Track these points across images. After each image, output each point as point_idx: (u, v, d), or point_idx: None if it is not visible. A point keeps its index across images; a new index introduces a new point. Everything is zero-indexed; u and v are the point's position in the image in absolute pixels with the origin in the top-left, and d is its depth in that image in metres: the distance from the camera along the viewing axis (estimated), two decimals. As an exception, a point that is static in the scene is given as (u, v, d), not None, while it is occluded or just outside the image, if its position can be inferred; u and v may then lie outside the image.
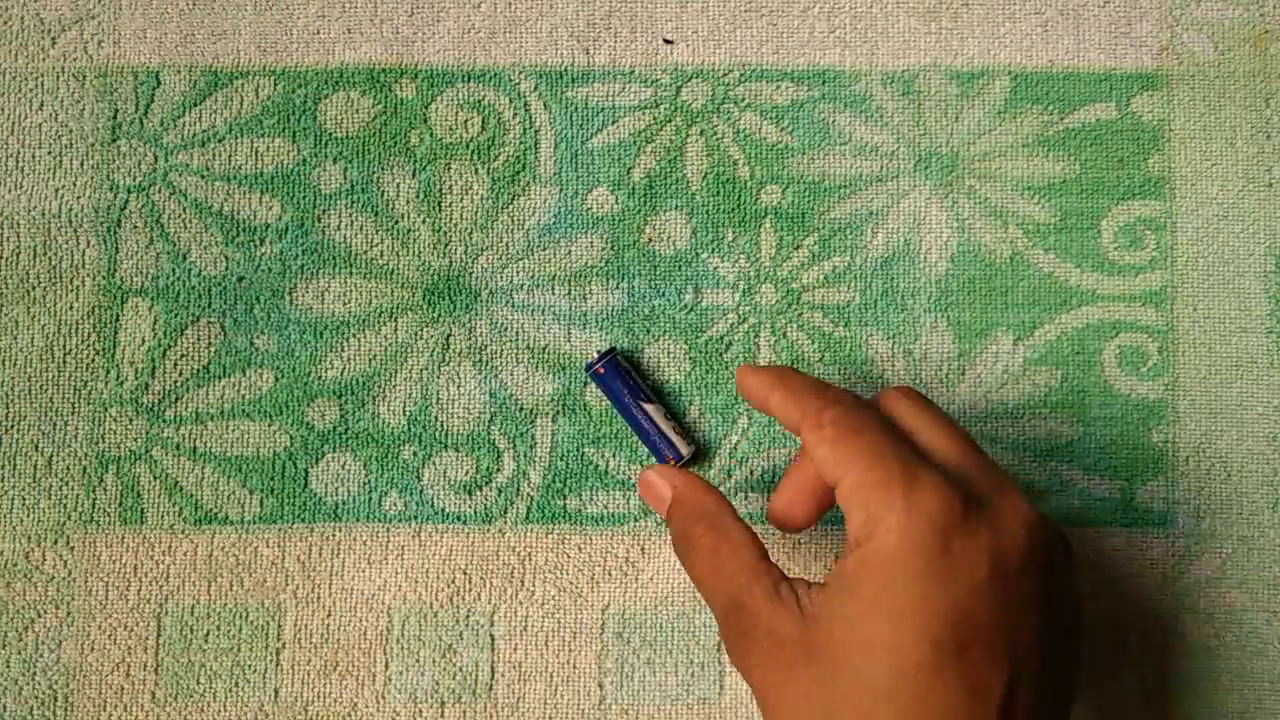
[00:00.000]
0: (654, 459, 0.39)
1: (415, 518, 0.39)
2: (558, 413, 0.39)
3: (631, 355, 0.39)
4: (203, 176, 0.40)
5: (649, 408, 0.38)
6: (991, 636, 0.28)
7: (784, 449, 0.40)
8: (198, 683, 0.38)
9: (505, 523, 0.39)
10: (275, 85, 0.40)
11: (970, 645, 0.27)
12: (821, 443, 0.30)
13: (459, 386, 0.39)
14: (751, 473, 0.39)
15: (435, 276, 0.40)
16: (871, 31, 0.41)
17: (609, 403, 0.39)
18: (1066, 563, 0.30)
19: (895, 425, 0.32)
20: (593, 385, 0.39)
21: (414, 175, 0.40)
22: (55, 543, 0.39)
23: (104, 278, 0.39)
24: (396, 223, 0.40)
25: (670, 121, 0.40)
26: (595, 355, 0.38)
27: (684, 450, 0.38)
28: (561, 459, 0.39)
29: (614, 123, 0.40)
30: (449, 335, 0.40)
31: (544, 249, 0.40)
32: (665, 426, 0.38)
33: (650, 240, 0.40)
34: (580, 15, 0.41)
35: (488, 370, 0.40)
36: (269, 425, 0.39)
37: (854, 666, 0.28)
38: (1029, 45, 0.41)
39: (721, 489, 0.39)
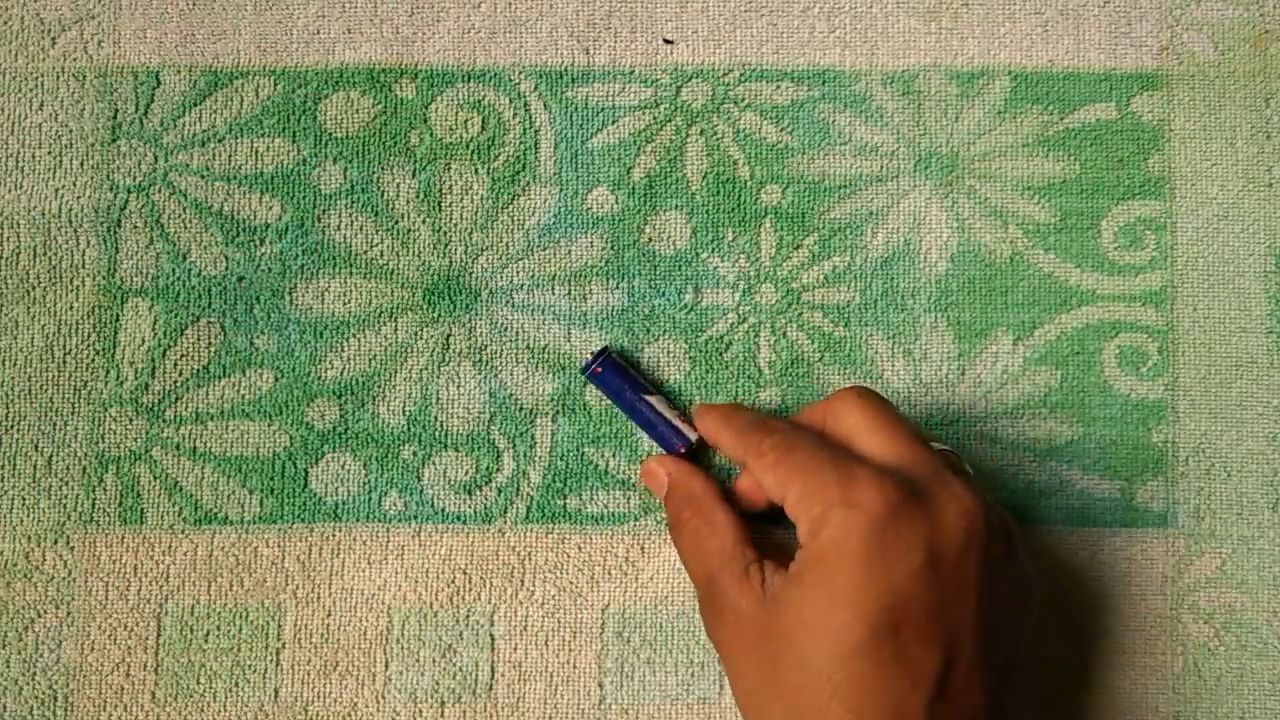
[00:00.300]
0: (660, 450, 0.39)
1: (415, 517, 0.39)
2: (557, 412, 0.39)
3: (626, 352, 0.39)
4: (203, 176, 0.40)
5: (651, 399, 0.38)
6: (927, 620, 0.29)
7: (784, 449, 0.40)
8: (198, 683, 0.38)
9: (505, 522, 0.39)
10: (275, 85, 0.40)
11: (903, 627, 0.29)
12: (765, 469, 0.32)
13: (459, 386, 0.39)
14: (751, 473, 0.39)
15: (435, 276, 0.40)
16: (871, 31, 0.41)
17: (609, 402, 0.39)
18: (1009, 549, 0.32)
19: (835, 435, 0.34)
20: (593, 387, 0.39)
21: (414, 175, 0.40)
22: (55, 543, 0.39)
23: (104, 278, 0.39)
24: (396, 223, 0.40)
25: (670, 121, 0.40)
26: (590, 357, 0.38)
27: (691, 436, 0.38)
28: (561, 459, 0.39)
29: (614, 122, 0.40)
30: (449, 335, 0.40)
31: (544, 249, 0.40)
32: (670, 415, 0.38)
33: (650, 240, 0.40)
34: (580, 15, 0.41)
35: (487, 370, 0.40)
36: (269, 425, 0.39)
37: (797, 646, 0.30)
38: (1029, 45, 0.41)
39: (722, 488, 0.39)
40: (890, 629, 0.29)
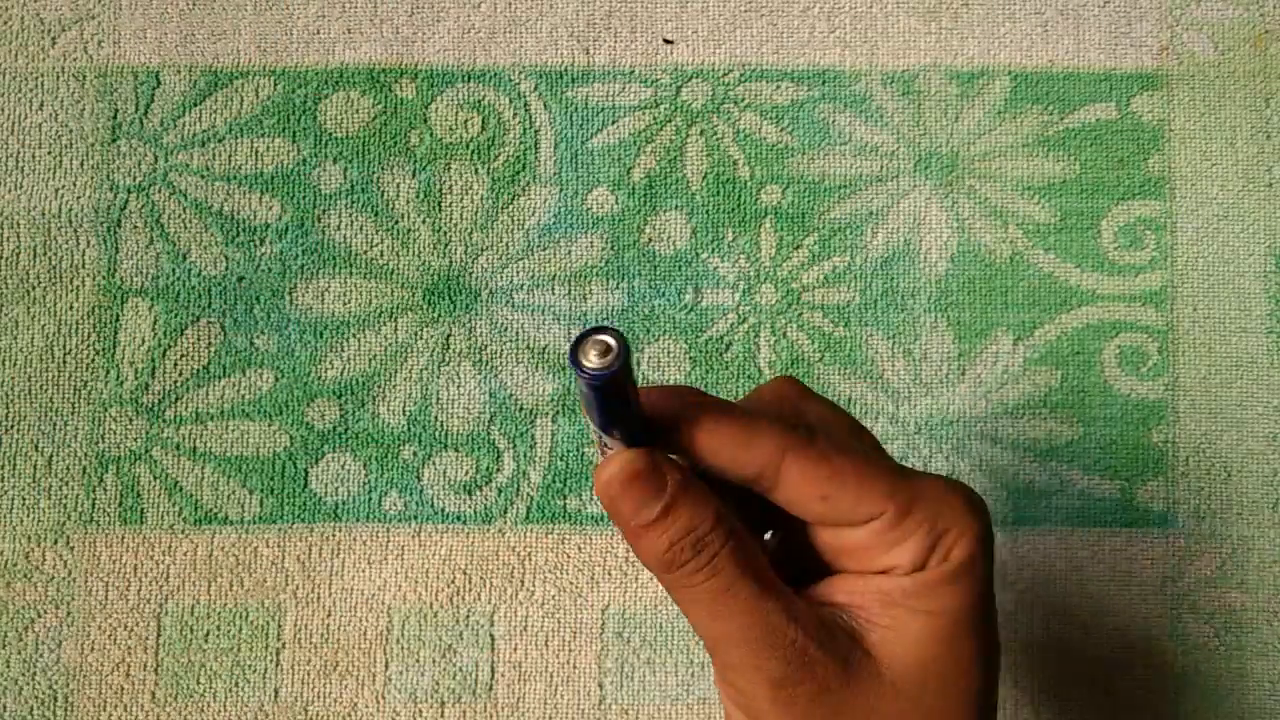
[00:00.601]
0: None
1: (415, 518, 0.39)
2: (557, 413, 0.39)
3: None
4: (203, 176, 0.40)
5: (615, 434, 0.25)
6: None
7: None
8: (198, 683, 0.38)
9: (505, 523, 0.39)
10: (275, 85, 0.40)
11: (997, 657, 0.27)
12: (842, 480, 0.25)
13: (459, 386, 0.39)
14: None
15: (435, 276, 0.40)
16: (871, 31, 0.41)
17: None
18: None
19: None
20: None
21: (414, 175, 0.40)
22: (55, 543, 0.39)
23: (104, 278, 0.39)
24: (396, 223, 0.40)
25: (670, 121, 0.40)
26: (609, 363, 0.22)
27: None
28: (561, 459, 0.39)
29: (614, 123, 0.40)
30: (449, 335, 0.40)
31: (544, 249, 0.40)
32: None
33: (650, 240, 0.40)
34: (580, 15, 0.41)
35: (488, 370, 0.40)
36: (269, 425, 0.39)
37: (943, 679, 0.26)
38: (1029, 45, 0.41)
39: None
40: (994, 670, 0.27)
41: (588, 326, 0.26)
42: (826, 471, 0.25)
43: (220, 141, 0.40)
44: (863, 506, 0.25)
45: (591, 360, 0.22)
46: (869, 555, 0.26)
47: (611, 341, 0.22)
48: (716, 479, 0.25)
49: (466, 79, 0.40)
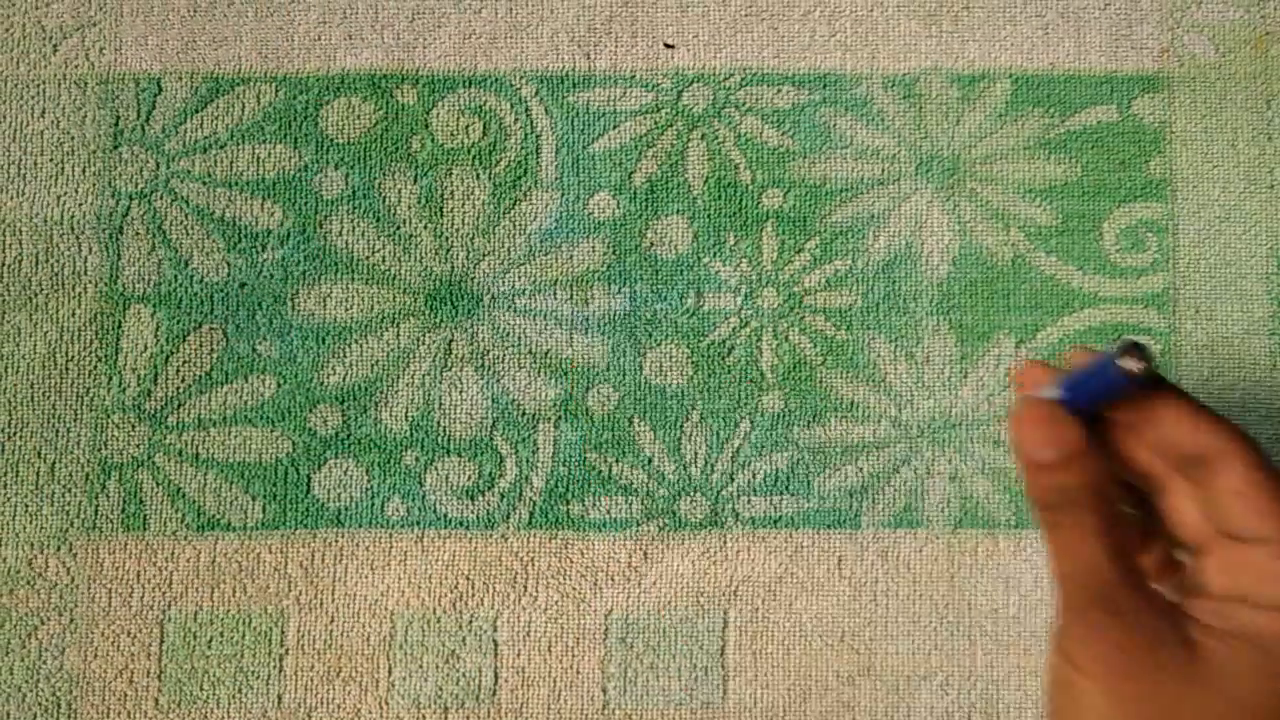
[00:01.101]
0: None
1: (418, 523, 0.39)
2: (560, 418, 0.39)
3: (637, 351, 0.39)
4: (204, 183, 0.40)
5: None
6: None
7: (785, 452, 0.39)
8: (201, 689, 0.38)
9: (508, 528, 0.39)
10: (277, 91, 0.40)
11: None
12: (1264, 486, 0.27)
13: (461, 392, 0.39)
14: (754, 475, 0.39)
15: (437, 282, 0.40)
16: (872, 35, 0.41)
17: (613, 407, 0.37)
18: None
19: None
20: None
21: (415, 181, 0.40)
22: (58, 549, 0.39)
23: (106, 284, 0.39)
24: (398, 228, 0.40)
25: (671, 126, 0.40)
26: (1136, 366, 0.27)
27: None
28: (564, 464, 0.39)
29: (615, 127, 0.40)
30: (451, 340, 0.40)
31: (546, 254, 0.40)
32: None
33: (652, 244, 0.40)
34: (581, 20, 0.41)
35: (490, 375, 0.40)
36: (271, 431, 0.39)
37: (1253, 713, 0.27)
38: (1030, 48, 0.41)
39: (724, 492, 0.39)
40: None
41: (1132, 338, 0.29)
42: (1258, 477, 0.27)
43: (222, 148, 0.40)
44: (1266, 523, 0.27)
45: (1135, 366, 0.27)
46: (1243, 576, 0.27)
47: (1150, 354, 0.27)
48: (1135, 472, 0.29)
49: (468, 84, 0.40)
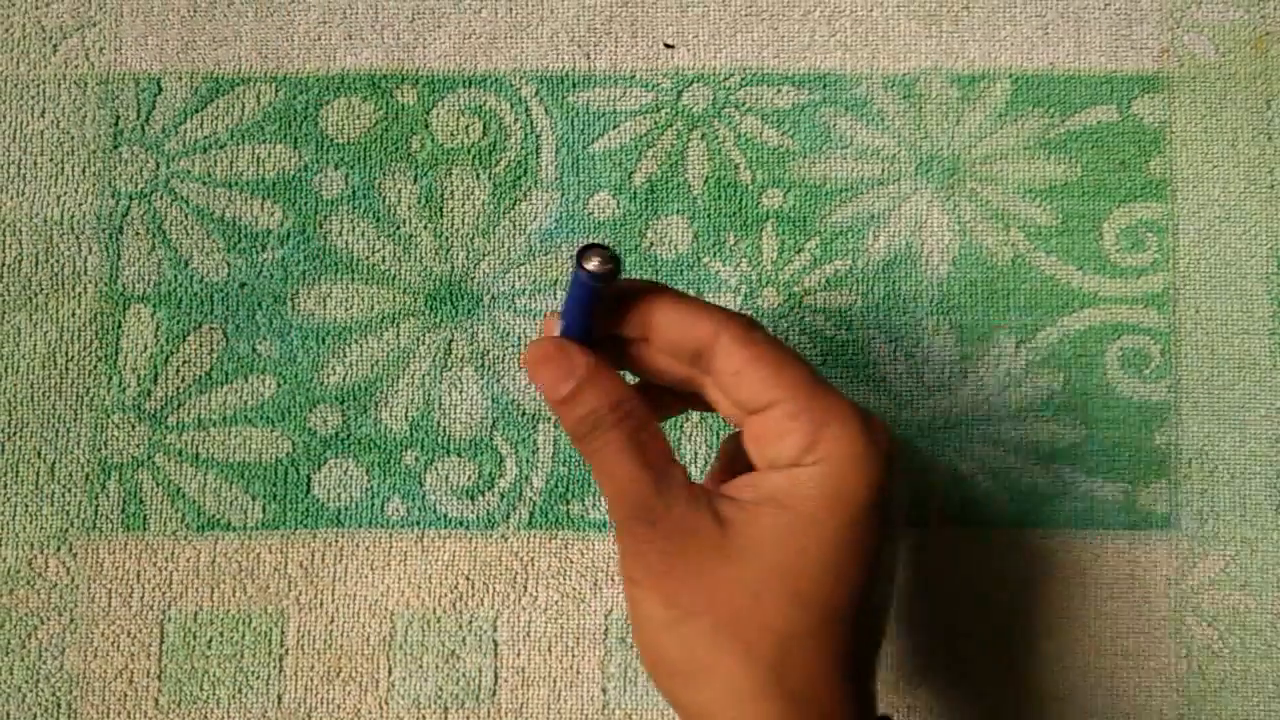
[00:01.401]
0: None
1: (418, 523, 0.39)
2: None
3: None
4: (204, 183, 0.40)
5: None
6: (896, 564, 0.31)
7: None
8: (201, 689, 0.38)
9: (508, 528, 0.39)
10: (277, 91, 0.40)
11: (888, 571, 0.30)
12: (757, 362, 0.29)
13: (461, 392, 0.39)
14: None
15: (437, 282, 0.40)
16: (872, 35, 0.41)
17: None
18: None
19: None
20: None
21: (415, 181, 0.40)
22: (58, 550, 0.39)
23: (106, 284, 0.39)
24: (398, 228, 0.40)
25: (671, 126, 0.40)
26: (599, 268, 0.28)
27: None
28: (564, 464, 0.39)
29: (615, 127, 0.40)
30: (451, 340, 0.40)
31: (546, 254, 0.40)
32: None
33: (652, 244, 0.40)
34: (581, 20, 0.41)
35: (490, 375, 0.40)
36: (271, 431, 0.39)
37: (784, 576, 0.29)
38: (1030, 48, 0.41)
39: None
40: (882, 574, 0.29)
41: (587, 241, 0.31)
42: (749, 353, 0.29)
43: (222, 148, 0.40)
44: (767, 391, 0.29)
45: (594, 265, 0.28)
46: (766, 444, 0.29)
47: (611, 253, 0.28)
48: (668, 386, 0.31)
49: (467, 84, 0.40)
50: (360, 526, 0.39)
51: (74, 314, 0.39)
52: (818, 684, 0.28)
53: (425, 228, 0.40)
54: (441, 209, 0.40)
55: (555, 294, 0.40)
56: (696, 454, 0.40)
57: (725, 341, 0.29)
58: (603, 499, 0.39)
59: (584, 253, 0.28)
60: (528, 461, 0.39)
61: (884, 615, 0.30)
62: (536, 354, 0.30)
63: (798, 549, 0.28)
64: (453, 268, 0.40)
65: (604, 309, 0.30)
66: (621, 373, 0.30)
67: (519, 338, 0.40)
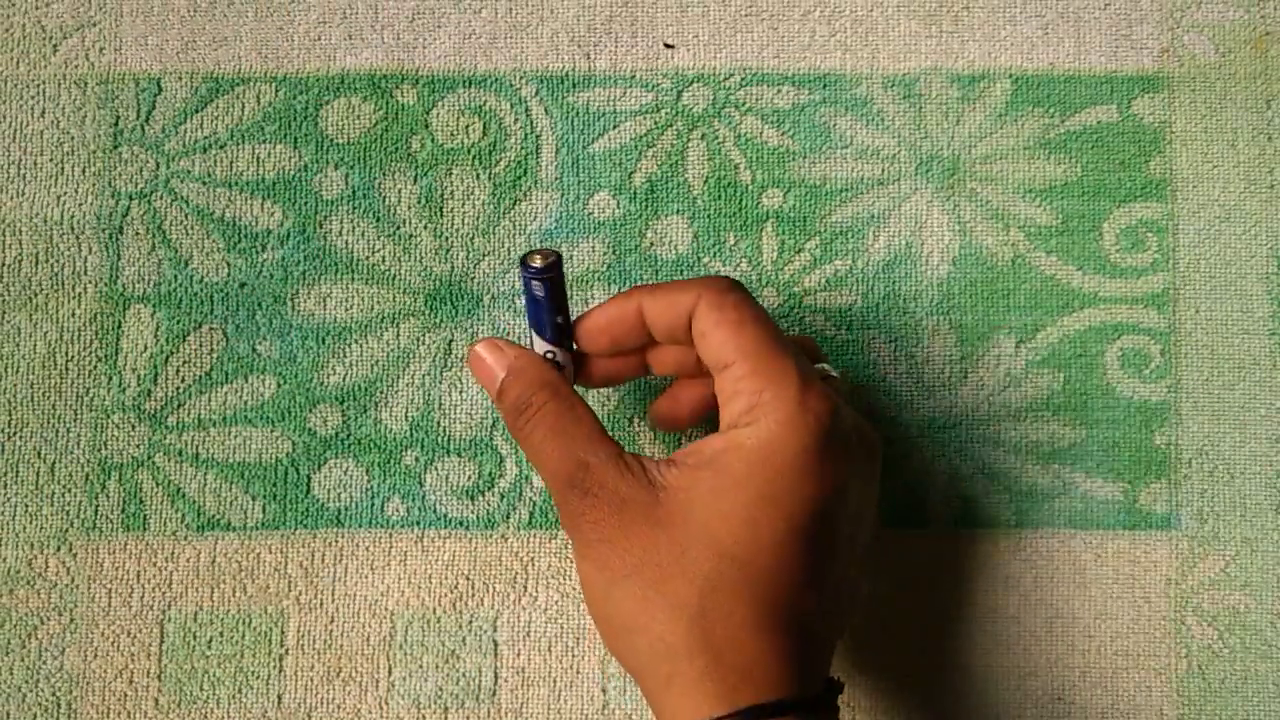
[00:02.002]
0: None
1: (418, 523, 0.39)
2: (560, 417, 0.39)
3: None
4: (204, 183, 0.40)
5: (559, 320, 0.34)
6: (835, 532, 0.31)
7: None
8: (201, 689, 0.38)
9: (508, 528, 0.39)
10: (276, 91, 0.40)
11: (821, 535, 0.30)
12: (721, 324, 0.31)
13: (461, 392, 0.39)
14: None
15: (437, 282, 0.40)
16: (872, 35, 0.41)
17: (611, 407, 0.39)
18: (878, 477, 0.34)
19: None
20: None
21: (415, 181, 0.40)
22: (58, 550, 0.39)
23: (106, 284, 0.39)
24: (398, 228, 0.40)
25: (671, 126, 0.40)
26: (539, 264, 0.32)
27: (565, 363, 0.34)
28: (564, 464, 0.39)
29: (615, 127, 0.40)
30: (451, 341, 0.40)
31: (546, 254, 0.40)
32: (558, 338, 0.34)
33: (652, 245, 0.40)
34: (581, 20, 0.41)
35: (490, 375, 0.40)
36: (271, 431, 0.39)
37: (708, 532, 0.30)
38: (1030, 48, 0.41)
39: None
40: (811, 535, 0.30)
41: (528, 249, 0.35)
42: (717, 316, 0.31)
43: (222, 148, 0.40)
44: (726, 353, 0.30)
45: (536, 263, 0.32)
46: (723, 404, 0.31)
47: (549, 249, 0.32)
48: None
49: (467, 84, 0.40)
50: (360, 526, 0.39)
51: (74, 314, 0.39)
52: (741, 637, 0.29)
53: (425, 228, 0.40)
54: (441, 209, 0.40)
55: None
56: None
57: (701, 305, 0.31)
58: None
59: (524, 258, 0.32)
60: (527, 462, 0.39)
61: (826, 580, 0.31)
62: (470, 355, 0.34)
63: (723, 508, 0.30)
64: (453, 268, 0.40)
65: (559, 303, 0.33)
66: (553, 357, 0.34)
67: (519, 338, 0.40)
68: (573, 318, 0.34)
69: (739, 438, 0.30)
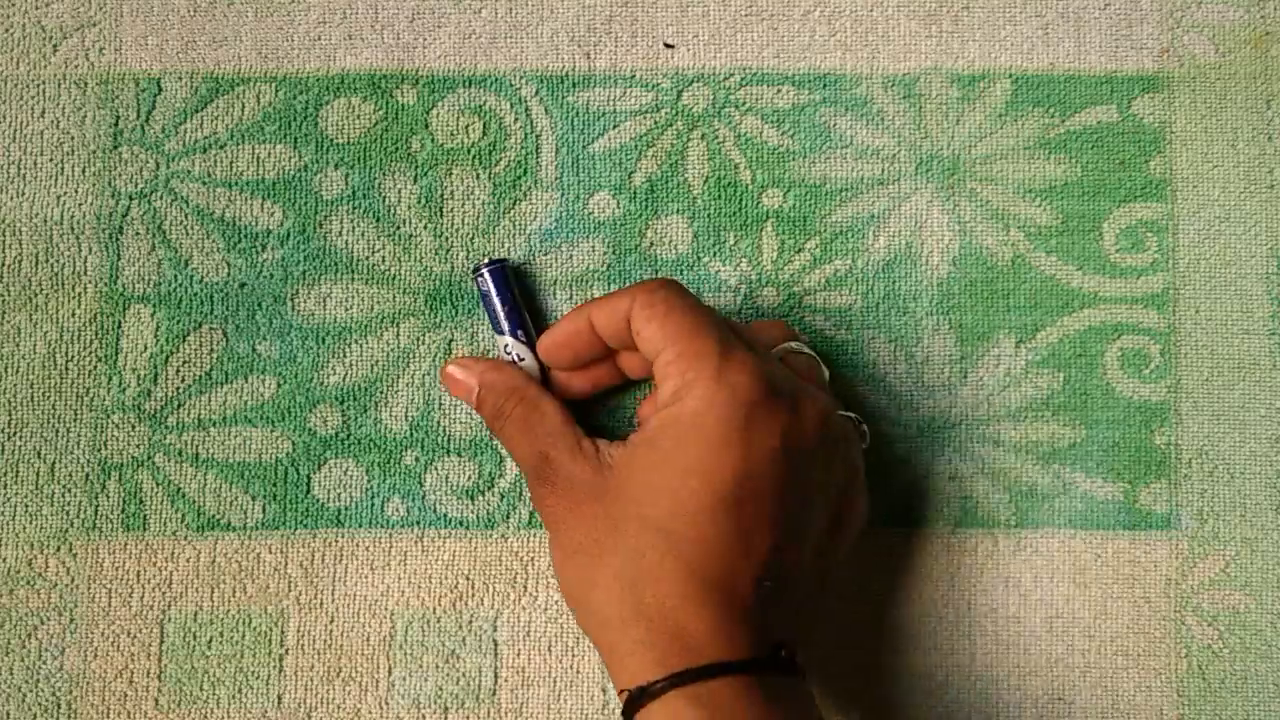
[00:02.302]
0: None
1: (418, 523, 0.39)
2: (560, 417, 0.39)
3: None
4: (204, 183, 0.40)
5: (516, 318, 0.38)
6: (769, 503, 0.32)
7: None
8: (201, 689, 0.38)
9: (508, 528, 0.39)
10: (276, 91, 0.40)
11: (748, 502, 0.31)
12: (651, 319, 0.33)
13: (461, 392, 0.39)
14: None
15: (437, 282, 0.40)
16: (872, 35, 0.41)
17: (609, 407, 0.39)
18: (849, 455, 0.35)
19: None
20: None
21: (415, 181, 0.40)
22: (58, 550, 0.39)
23: (106, 284, 0.39)
24: (398, 228, 0.40)
25: (671, 125, 0.40)
26: (486, 260, 0.38)
27: (532, 365, 0.38)
28: (564, 464, 0.39)
29: (615, 127, 0.40)
30: (451, 340, 0.40)
31: (545, 254, 0.40)
32: (521, 337, 0.38)
33: (652, 244, 0.40)
34: (581, 20, 0.41)
35: (490, 375, 0.39)
36: (271, 431, 0.39)
37: (638, 505, 0.32)
38: (1030, 48, 0.41)
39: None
40: (735, 502, 0.31)
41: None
42: (649, 312, 0.33)
43: (222, 148, 0.40)
44: (657, 341, 0.33)
45: (484, 271, 0.38)
46: (657, 388, 0.33)
47: (497, 256, 0.38)
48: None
49: (467, 84, 0.40)
50: (360, 526, 0.39)
51: (74, 314, 0.39)
52: (671, 601, 0.31)
53: (425, 228, 0.40)
54: (441, 209, 0.40)
55: (554, 293, 0.40)
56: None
57: (635, 306, 0.33)
58: None
59: (478, 267, 0.38)
60: (528, 461, 0.39)
61: (765, 548, 0.31)
62: (444, 377, 0.38)
63: (654, 481, 0.32)
64: (453, 268, 0.40)
65: (504, 295, 0.38)
66: (511, 351, 0.37)
67: (519, 338, 0.40)
68: (531, 323, 0.38)
69: (669, 415, 0.32)
